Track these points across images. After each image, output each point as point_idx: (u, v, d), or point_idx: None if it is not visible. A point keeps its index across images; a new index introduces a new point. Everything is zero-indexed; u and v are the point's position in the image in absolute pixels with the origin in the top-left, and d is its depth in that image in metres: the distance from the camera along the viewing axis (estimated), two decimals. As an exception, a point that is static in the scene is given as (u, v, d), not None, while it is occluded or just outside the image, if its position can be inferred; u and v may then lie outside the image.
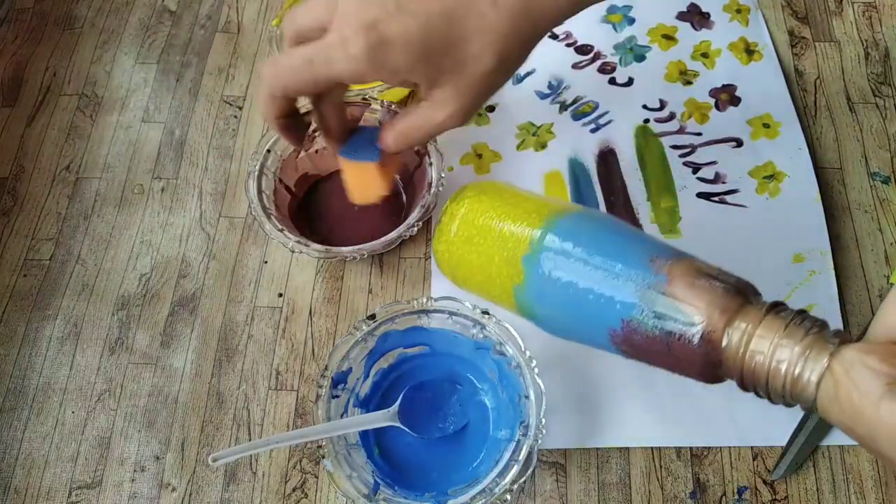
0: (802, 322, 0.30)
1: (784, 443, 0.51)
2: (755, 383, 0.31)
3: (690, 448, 0.52)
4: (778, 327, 0.30)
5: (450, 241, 0.41)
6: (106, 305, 0.58)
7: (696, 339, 0.31)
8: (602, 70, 0.68)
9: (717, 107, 0.65)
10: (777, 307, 0.31)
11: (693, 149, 0.63)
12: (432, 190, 0.56)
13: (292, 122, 0.44)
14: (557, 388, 0.53)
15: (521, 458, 0.46)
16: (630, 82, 0.67)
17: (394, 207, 0.61)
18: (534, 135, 0.64)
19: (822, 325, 0.30)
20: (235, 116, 0.67)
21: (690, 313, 0.31)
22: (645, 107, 0.65)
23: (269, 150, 0.58)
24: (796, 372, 0.29)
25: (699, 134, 0.64)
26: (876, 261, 0.58)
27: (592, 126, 0.65)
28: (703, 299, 0.32)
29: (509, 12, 0.37)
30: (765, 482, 0.51)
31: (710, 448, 0.52)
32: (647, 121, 0.64)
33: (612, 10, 0.71)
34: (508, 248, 0.38)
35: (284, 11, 0.65)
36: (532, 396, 0.47)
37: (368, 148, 0.46)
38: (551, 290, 0.36)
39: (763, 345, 0.30)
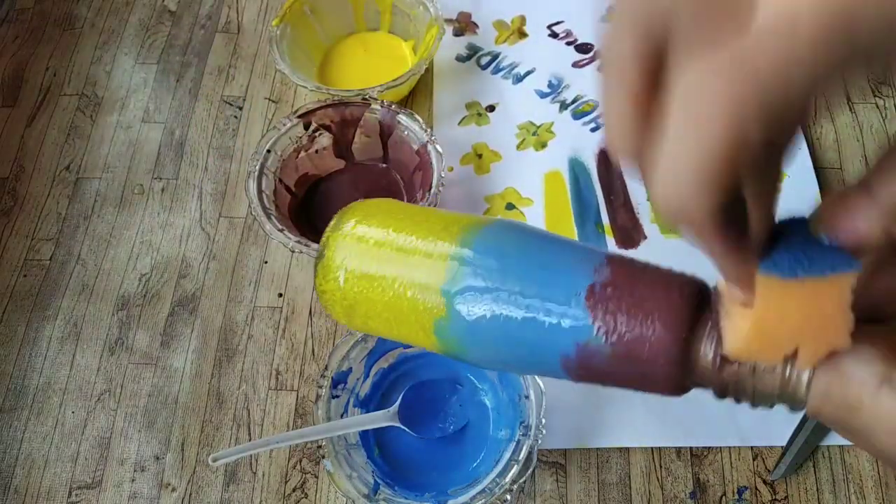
0: None
1: (784, 443, 0.51)
2: (737, 391, 0.28)
3: (690, 448, 0.52)
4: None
5: (339, 278, 0.33)
6: (106, 305, 0.58)
7: (663, 355, 0.28)
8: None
9: (717, 107, 0.65)
10: None
11: (693, 149, 0.63)
12: (432, 190, 0.56)
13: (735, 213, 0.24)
14: (557, 388, 0.53)
15: (521, 458, 0.46)
16: (630, 82, 0.67)
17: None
18: (534, 134, 0.64)
19: None
20: (235, 116, 0.67)
21: (653, 326, 0.28)
22: (645, 107, 0.65)
23: (269, 150, 0.58)
24: (785, 374, 0.26)
25: (699, 134, 0.63)
26: (876, 261, 0.58)
27: (593, 125, 0.64)
28: (665, 308, 0.28)
29: None
30: (765, 482, 0.51)
31: (710, 448, 0.52)
32: (647, 121, 0.64)
33: (613, 8, 0.71)
34: (421, 275, 0.31)
35: (284, 11, 0.65)
36: (532, 396, 0.47)
37: (820, 251, 0.25)
38: (484, 319, 0.30)
39: (741, 369, 0.27)
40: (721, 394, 0.29)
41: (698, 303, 0.28)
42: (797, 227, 0.28)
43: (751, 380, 0.27)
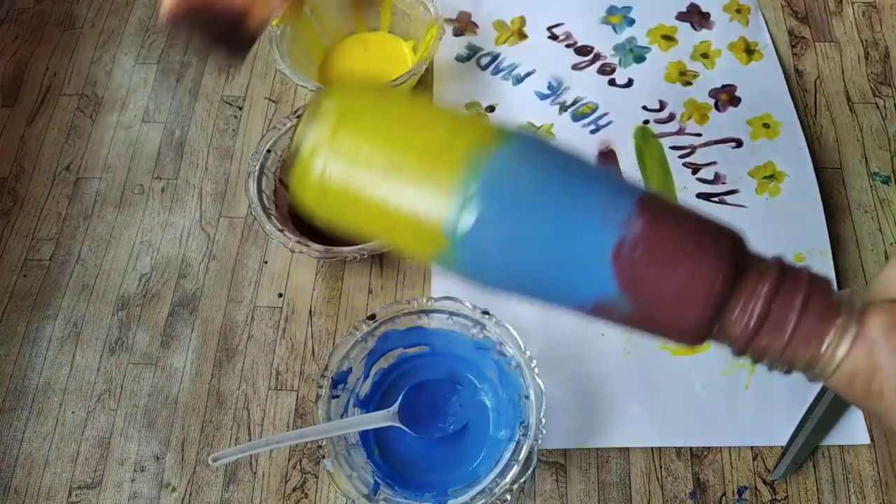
0: (820, 290, 0.26)
1: (784, 443, 0.51)
2: (760, 357, 0.27)
3: (690, 448, 0.52)
4: (791, 305, 0.25)
5: (318, 186, 0.28)
6: (106, 305, 0.58)
7: (687, 328, 0.26)
8: (602, 71, 0.67)
9: (716, 107, 0.65)
10: (783, 268, 0.27)
11: (693, 149, 0.63)
12: (432, 190, 0.56)
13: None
14: (557, 388, 0.53)
15: (521, 458, 0.46)
16: (630, 83, 0.67)
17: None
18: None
19: (844, 296, 0.26)
20: (235, 116, 0.67)
21: (683, 300, 0.26)
22: (645, 107, 0.65)
23: (269, 150, 0.58)
24: (818, 349, 0.25)
25: (699, 134, 0.64)
26: (876, 261, 0.58)
27: (592, 127, 0.65)
28: (698, 280, 0.26)
29: None
30: (765, 482, 0.51)
31: (710, 448, 0.52)
32: (646, 121, 0.64)
33: (611, 11, 0.71)
34: (420, 207, 0.26)
35: (284, 11, 0.65)
36: (532, 396, 0.47)
37: None
38: (491, 260, 0.27)
39: (777, 315, 0.25)
40: (740, 355, 0.27)
41: (734, 271, 0.26)
42: None
43: (781, 351, 0.26)
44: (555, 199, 0.26)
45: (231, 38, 0.30)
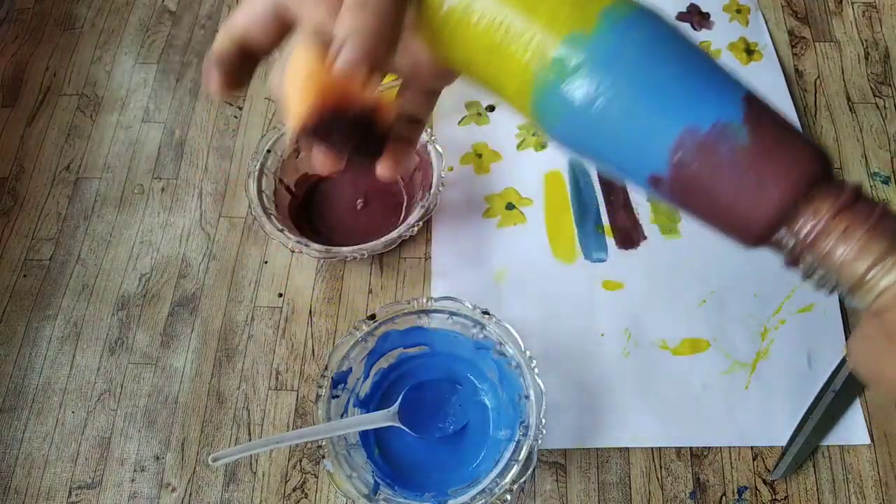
0: (891, 220, 0.27)
1: (784, 443, 0.51)
2: (817, 264, 0.28)
3: (690, 448, 0.52)
4: (863, 222, 0.27)
5: (442, 16, 0.29)
6: (106, 305, 0.58)
7: (768, 206, 0.27)
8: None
9: (717, 107, 0.65)
10: (859, 195, 0.28)
11: (693, 149, 0.63)
12: (432, 190, 0.56)
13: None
14: (557, 388, 0.53)
15: (521, 458, 0.46)
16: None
17: (394, 207, 0.61)
18: (534, 134, 0.64)
19: None
20: (235, 116, 0.67)
21: (772, 173, 0.27)
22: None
23: (269, 150, 0.58)
24: (871, 269, 0.27)
25: (699, 134, 0.63)
26: (876, 261, 0.58)
27: (592, 126, 0.64)
28: (788, 159, 0.27)
29: None
30: (765, 482, 0.51)
31: (710, 448, 0.52)
32: (647, 121, 0.64)
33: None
34: (533, 42, 0.27)
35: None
36: (532, 396, 0.47)
37: None
38: (583, 110, 0.27)
39: (846, 227, 0.27)
40: (794, 264, 0.29)
41: (817, 172, 0.27)
42: None
43: (837, 264, 0.27)
44: (662, 74, 0.27)
45: (368, 137, 0.30)
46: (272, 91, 0.32)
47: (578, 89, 0.27)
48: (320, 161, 0.31)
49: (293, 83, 0.28)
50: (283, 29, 0.32)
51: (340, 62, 0.27)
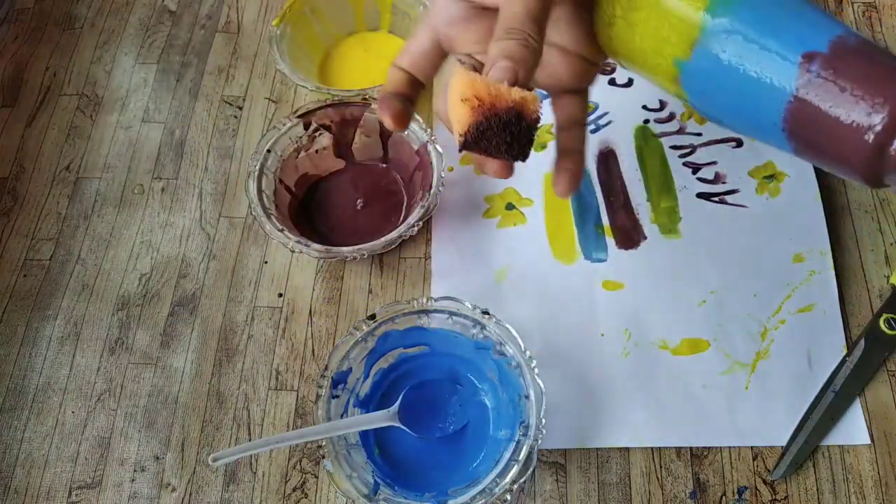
0: None
1: (784, 443, 0.51)
2: None
3: (690, 448, 0.52)
4: None
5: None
6: (106, 305, 0.58)
7: (871, 134, 0.30)
8: (602, 71, 0.67)
9: (717, 107, 0.65)
10: None
11: (693, 149, 0.63)
12: (432, 190, 0.56)
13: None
14: (557, 388, 0.53)
15: (521, 458, 0.46)
16: (630, 83, 0.67)
17: (394, 207, 0.61)
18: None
19: None
20: (235, 116, 0.67)
21: (870, 101, 0.30)
22: (645, 107, 0.65)
23: (269, 150, 0.58)
24: None
25: (699, 134, 0.64)
26: (876, 261, 0.58)
27: (592, 127, 0.65)
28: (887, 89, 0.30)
29: None
30: (765, 482, 0.51)
31: (710, 448, 0.52)
32: (647, 121, 0.64)
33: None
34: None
35: (284, 11, 0.65)
36: (532, 396, 0.47)
37: None
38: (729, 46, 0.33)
39: None
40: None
41: None
42: None
43: None
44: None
45: (520, 134, 0.34)
46: (439, 114, 0.39)
47: None
48: (494, 170, 0.37)
49: (455, 103, 0.33)
50: (441, 57, 0.40)
51: (494, 76, 0.32)
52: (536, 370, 0.48)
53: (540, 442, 0.46)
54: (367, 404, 0.52)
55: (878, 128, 0.30)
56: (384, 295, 0.58)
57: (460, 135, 0.33)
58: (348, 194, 0.62)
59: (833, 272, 0.57)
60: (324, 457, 0.46)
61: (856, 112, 0.30)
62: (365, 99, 0.59)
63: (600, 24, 0.38)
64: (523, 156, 0.35)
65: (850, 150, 0.31)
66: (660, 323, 0.56)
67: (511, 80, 0.32)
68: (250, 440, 0.53)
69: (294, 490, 0.51)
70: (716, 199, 0.60)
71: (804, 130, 0.32)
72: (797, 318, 0.56)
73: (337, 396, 0.49)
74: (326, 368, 0.49)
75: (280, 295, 0.58)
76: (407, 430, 0.50)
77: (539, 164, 0.63)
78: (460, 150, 0.33)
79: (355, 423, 0.49)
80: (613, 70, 0.67)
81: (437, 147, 0.58)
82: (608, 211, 0.61)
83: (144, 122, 0.67)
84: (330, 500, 0.51)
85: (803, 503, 0.50)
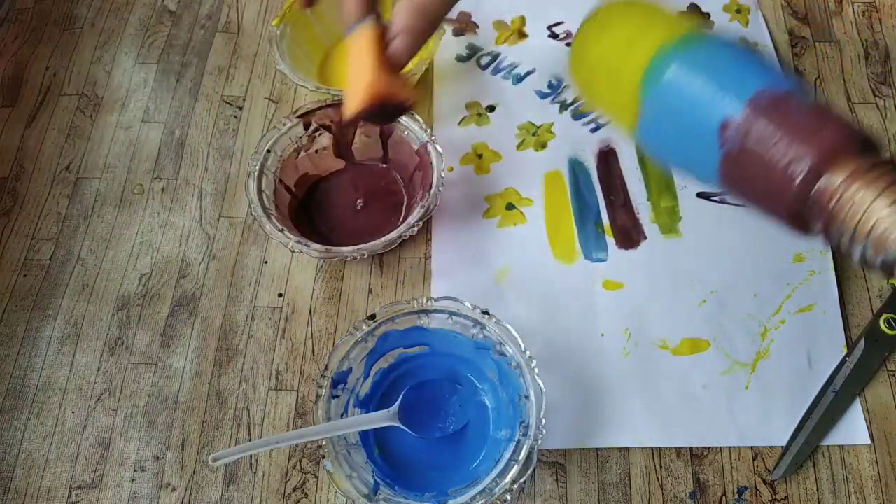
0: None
1: (784, 443, 0.51)
2: (841, 231, 0.32)
3: (690, 448, 0.52)
4: (880, 184, 0.31)
5: (581, 53, 0.45)
6: (106, 305, 0.58)
7: (798, 176, 0.32)
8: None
9: (717, 107, 0.65)
10: (880, 162, 0.32)
11: (693, 149, 0.63)
12: (432, 190, 0.56)
13: None
14: (557, 388, 0.53)
15: (521, 458, 0.46)
16: (630, 82, 0.67)
17: (394, 207, 0.61)
18: (534, 134, 0.64)
19: None
20: (235, 116, 0.67)
21: (802, 146, 0.32)
22: (645, 107, 0.65)
23: (269, 150, 0.58)
24: (889, 234, 0.30)
25: (699, 134, 0.63)
26: (876, 261, 0.58)
27: (593, 125, 0.65)
28: (821, 136, 0.32)
29: None
30: (765, 482, 0.51)
31: (710, 448, 0.52)
32: (647, 121, 0.64)
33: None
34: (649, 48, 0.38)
35: (284, 11, 0.65)
36: (532, 396, 0.47)
37: None
38: (676, 83, 0.36)
39: (863, 196, 0.31)
40: (826, 228, 0.33)
41: (850, 148, 0.32)
42: None
43: (860, 230, 0.31)
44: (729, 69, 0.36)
45: (395, 115, 0.45)
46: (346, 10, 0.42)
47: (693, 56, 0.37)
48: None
49: (356, 83, 0.41)
50: None
51: (393, 49, 0.39)
52: (536, 370, 0.48)
53: (540, 442, 0.46)
54: (367, 404, 0.52)
55: (797, 182, 0.32)
56: (384, 295, 0.58)
57: (352, 113, 0.41)
58: (348, 194, 0.62)
59: (833, 272, 0.57)
60: (324, 457, 0.46)
61: (776, 168, 0.33)
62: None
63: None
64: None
65: (775, 204, 0.34)
66: (660, 323, 0.56)
67: (409, 55, 0.39)
68: (250, 440, 0.53)
69: (294, 490, 0.51)
70: (716, 198, 0.60)
71: (735, 187, 0.36)
72: (797, 318, 0.56)
73: (337, 396, 0.49)
74: (326, 368, 0.49)
75: (280, 295, 0.58)
76: (407, 430, 0.50)
77: (539, 164, 0.63)
78: (346, 118, 0.42)
79: (355, 423, 0.49)
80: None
81: (437, 147, 0.58)
82: (608, 210, 0.61)
83: (144, 122, 0.67)
84: (330, 500, 0.51)
85: (803, 503, 0.50)
